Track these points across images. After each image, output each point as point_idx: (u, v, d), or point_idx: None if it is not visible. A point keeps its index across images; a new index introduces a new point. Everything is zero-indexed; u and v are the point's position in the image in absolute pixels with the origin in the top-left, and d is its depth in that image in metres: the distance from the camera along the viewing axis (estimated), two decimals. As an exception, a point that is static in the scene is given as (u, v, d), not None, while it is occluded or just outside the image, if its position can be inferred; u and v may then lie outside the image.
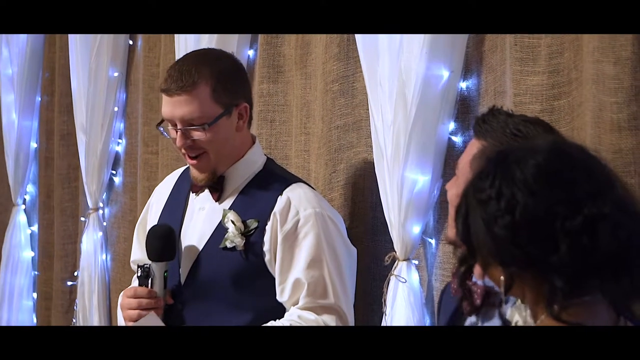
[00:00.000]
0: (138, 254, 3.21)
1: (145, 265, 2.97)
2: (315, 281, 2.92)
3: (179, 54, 3.80)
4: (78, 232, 4.74)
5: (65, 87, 4.78)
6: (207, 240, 2.99)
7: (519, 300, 2.09)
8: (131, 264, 3.26)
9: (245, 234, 2.94)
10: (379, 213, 3.16)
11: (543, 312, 1.85)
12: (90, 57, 4.45)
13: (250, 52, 3.70)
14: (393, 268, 3.02)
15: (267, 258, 2.95)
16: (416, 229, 2.99)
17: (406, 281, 2.98)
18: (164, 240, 2.97)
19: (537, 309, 1.87)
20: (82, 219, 4.66)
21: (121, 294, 3.04)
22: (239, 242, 2.93)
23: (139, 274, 2.97)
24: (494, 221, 1.84)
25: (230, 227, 2.94)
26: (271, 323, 2.91)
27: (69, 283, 4.81)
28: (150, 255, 2.98)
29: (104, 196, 4.55)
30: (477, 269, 1.95)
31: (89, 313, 4.48)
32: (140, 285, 2.97)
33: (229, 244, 2.94)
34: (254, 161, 3.05)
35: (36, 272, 5.18)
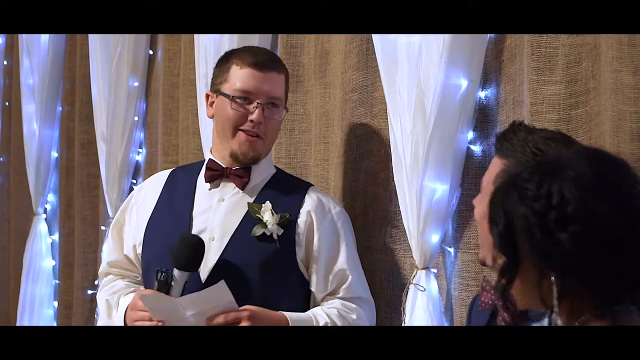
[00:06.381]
0: (115, 254, 3.20)
1: (168, 271, 2.88)
2: (355, 274, 3.05)
3: (199, 64, 3.82)
4: (98, 240, 4.76)
5: (85, 97, 4.81)
6: (235, 231, 3.02)
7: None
8: (106, 265, 3.22)
9: (281, 224, 3.00)
10: (398, 222, 3.17)
11: (579, 318, 1.84)
12: (110, 67, 4.48)
13: (270, 62, 3.72)
14: (412, 277, 3.02)
15: (299, 254, 3.01)
16: (435, 238, 3.00)
17: (425, 290, 2.98)
18: (194, 250, 2.93)
19: (571, 318, 1.85)
20: (103, 227, 4.69)
21: (126, 308, 2.99)
22: (276, 229, 2.99)
23: (158, 278, 2.86)
24: (560, 229, 1.80)
25: (268, 217, 2.99)
26: (320, 308, 3.00)
27: (90, 292, 4.83)
28: (177, 263, 2.89)
29: (124, 205, 4.57)
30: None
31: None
32: (158, 289, 2.87)
33: (267, 232, 2.98)
34: (270, 164, 3.19)
35: (57, 281, 5.20)
